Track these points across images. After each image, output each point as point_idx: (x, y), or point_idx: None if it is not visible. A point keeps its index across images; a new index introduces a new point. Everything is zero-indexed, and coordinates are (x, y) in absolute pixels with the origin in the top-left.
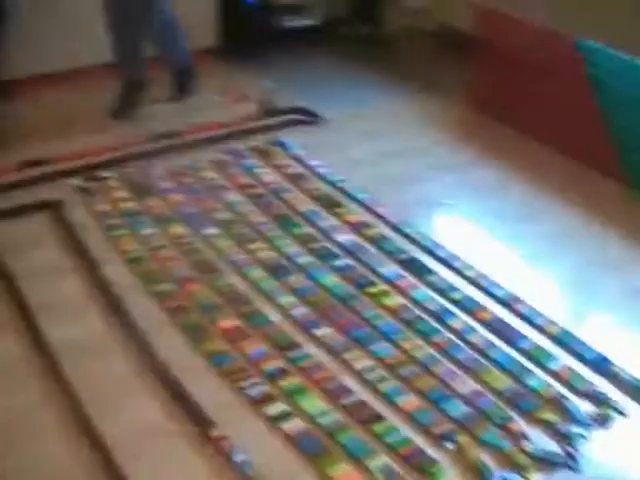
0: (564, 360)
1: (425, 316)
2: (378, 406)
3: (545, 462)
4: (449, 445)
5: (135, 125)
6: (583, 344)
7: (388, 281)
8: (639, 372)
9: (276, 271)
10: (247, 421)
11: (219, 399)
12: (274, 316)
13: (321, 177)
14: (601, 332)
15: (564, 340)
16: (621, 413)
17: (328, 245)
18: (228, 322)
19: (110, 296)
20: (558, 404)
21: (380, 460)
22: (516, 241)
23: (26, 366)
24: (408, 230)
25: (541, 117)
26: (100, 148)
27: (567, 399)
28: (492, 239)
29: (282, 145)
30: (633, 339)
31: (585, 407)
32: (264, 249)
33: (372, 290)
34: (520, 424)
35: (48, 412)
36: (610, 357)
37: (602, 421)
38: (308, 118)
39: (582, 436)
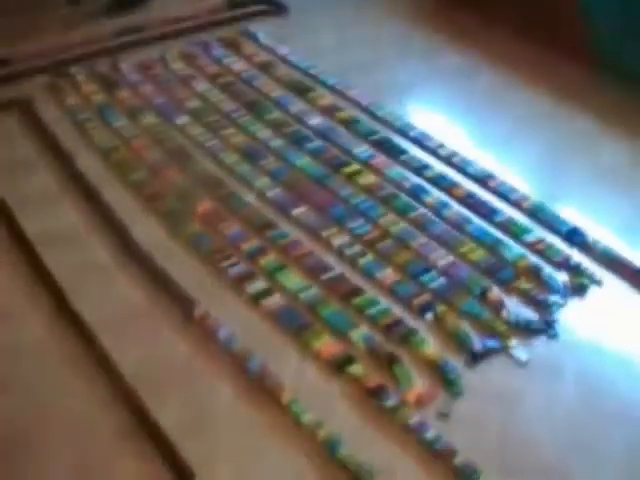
0: (539, 232)
1: (400, 193)
2: (357, 280)
3: (523, 329)
4: (429, 315)
5: (101, 21)
6: (557, 217)
7: (362, 161)
8: (612, 244)
9: (250, 155)
10: (229, 300)
11: (200, 280)
12: (250, 198)
13: (291, 64)
14: (573, 207)
15: (538, 213)
16: (596, 282)
17: (301, 129)
18: (205, 206)
19: (85, 187)
20: (534, 274)
21: (361, 331)
22: (485, 123)
23: (5, 259)
24: (380, 112)
25: (512, 5)
26: (67, 45)
27: (543, 269)
28: (462, 121)
29: (250, 35)
30: (604, 214)
31: (561, 277)
32: (237, 135)
33: (346, 170)
34: (498, 294)
35: (30, 301)
36: (583, 229)
37: (577, 290)
38: (274, 8)
39: (558, 304)
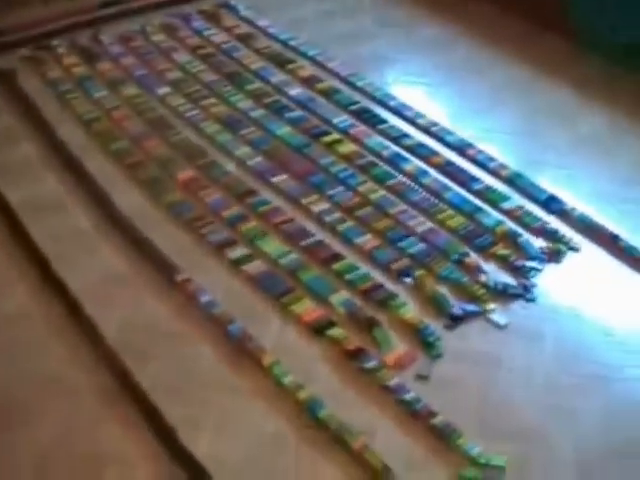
0: (517, 200)
1: (379, 162)
2: (337, 246)
3: (501, 293)
4: (408, 280)
5: None
6: (535, 185)
7: (341, 130)
8: (590, 211)
9: (231, 125)
10: (210, 265)
11: (182, 247)
12: (231, 167)
13: (271, 36)
14: (551, 176)
15: (516, 182)
16: (573, 248)
17: (281, 99)
18: (186, 174)
19: (67, 157)
20: (512, 240)
21: (341, 296)
22: (464, 93)
23: None
24: (359, 82)
25: None
26: (48, 18)
27: (521, 235)
28: (441, 92)
29: (230, 7)
30: (582, 182)
31: (539, 243)
32: (218, 105)
33: (326, 139)
34: (476, 259)
35: (15, 270)
36: (561, 197)
37: (555, 255)
38: None
39: (536, 270)
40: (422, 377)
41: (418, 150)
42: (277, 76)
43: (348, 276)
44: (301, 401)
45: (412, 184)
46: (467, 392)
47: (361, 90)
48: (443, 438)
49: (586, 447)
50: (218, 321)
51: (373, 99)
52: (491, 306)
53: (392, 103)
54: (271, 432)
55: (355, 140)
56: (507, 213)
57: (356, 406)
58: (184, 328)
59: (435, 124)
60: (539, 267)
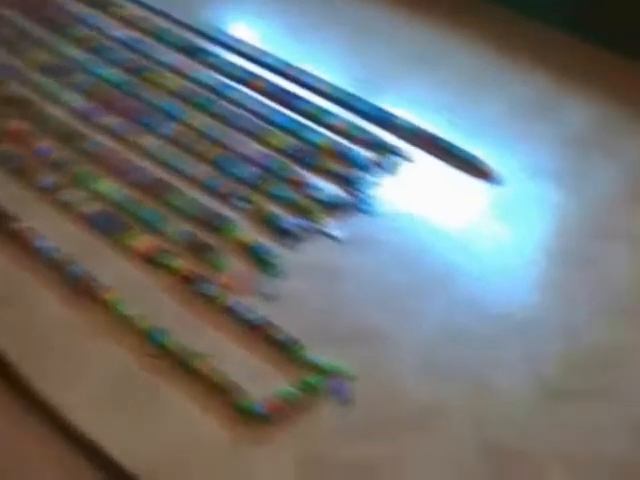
0: (346, 116)
1: (206, 93)
2: (171, 180)
3: (335, 207)
4: (241, 204)
5: None
6: (363, 101)
7: (168, 67)
8: (419, 122)
9: (54, 72)
10: (43, 211)
11: (12, 195)
12: (58, 113)
13: None
14: (378, 92)
15: (343, 99)
16: (405, 158)
17: (105, 42)
18: (12, 125)
19: None
20: (342, 155)
21: (176, 226)
22: (295, 26)
23: None
24: (188, 20)
25: None
26: None
27: (351, 149)
28: (272, 25)
29: None
30: (408, 96)
31: (370, 155)
32: (39, 54)
33: (153, 76)
34: (307, 176)
35: None
36: (390, 111)
37: (388, 167)
38: None
39: (371, 182)
40: (264, 295)
41: (244, 77)
42: (100, 19)
43: (182, 207)
44: (144, 331)
45: (239, 110)
46: (310, 306)
47: (188, 27)
48: (287, 351)
49: (429, 345)
50: (56, 265)
51: (201, 35)
52: (327, 220)
53: (221, 38)
54: (118, 367)
55: (182, 75)
56: (335, 129)
57: (199, 330)
58: (24, 275)
59: (261, 51)
60: (373, 179)
